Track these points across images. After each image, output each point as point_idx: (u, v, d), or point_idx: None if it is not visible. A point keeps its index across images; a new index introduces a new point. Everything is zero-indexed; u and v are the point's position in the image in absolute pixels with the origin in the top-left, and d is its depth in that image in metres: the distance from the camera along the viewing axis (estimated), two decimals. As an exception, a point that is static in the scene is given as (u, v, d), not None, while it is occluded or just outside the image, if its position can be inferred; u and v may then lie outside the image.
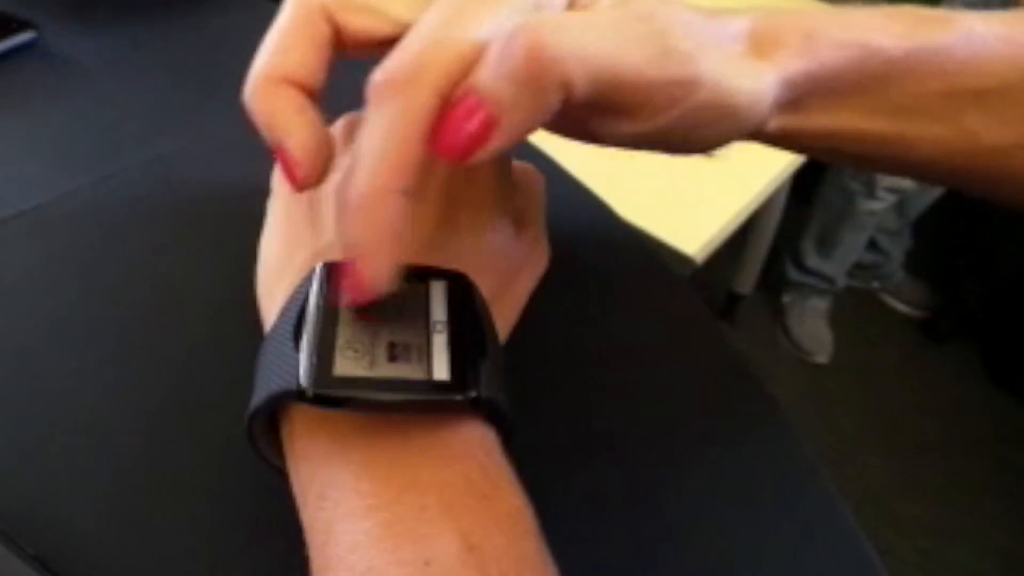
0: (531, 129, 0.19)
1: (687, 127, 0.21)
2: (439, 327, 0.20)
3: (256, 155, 0.29)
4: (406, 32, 0.20)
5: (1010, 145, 0.24)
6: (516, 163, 0.29)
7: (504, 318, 0.25)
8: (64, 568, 0.20)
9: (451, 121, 0.18)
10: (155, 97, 0.37)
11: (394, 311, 0.20)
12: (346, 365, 0.19)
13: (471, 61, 0.19)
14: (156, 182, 0.32)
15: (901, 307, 1.84)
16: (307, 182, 0.21)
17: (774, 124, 0.23)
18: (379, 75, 0.19)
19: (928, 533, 1.36)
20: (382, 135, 0.18)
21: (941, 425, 1.57)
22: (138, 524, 0.21)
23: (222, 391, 0.24)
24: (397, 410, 0.19)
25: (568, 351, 0.29)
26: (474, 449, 0.20)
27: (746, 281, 1.68)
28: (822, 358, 1.68)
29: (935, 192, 1.56)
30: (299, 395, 0.18)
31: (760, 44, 0.22)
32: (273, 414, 0.21)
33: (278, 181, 0.26)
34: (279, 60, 0.21)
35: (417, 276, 0.22)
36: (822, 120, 0.23)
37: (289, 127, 0.21)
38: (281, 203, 0.25)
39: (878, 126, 0.24)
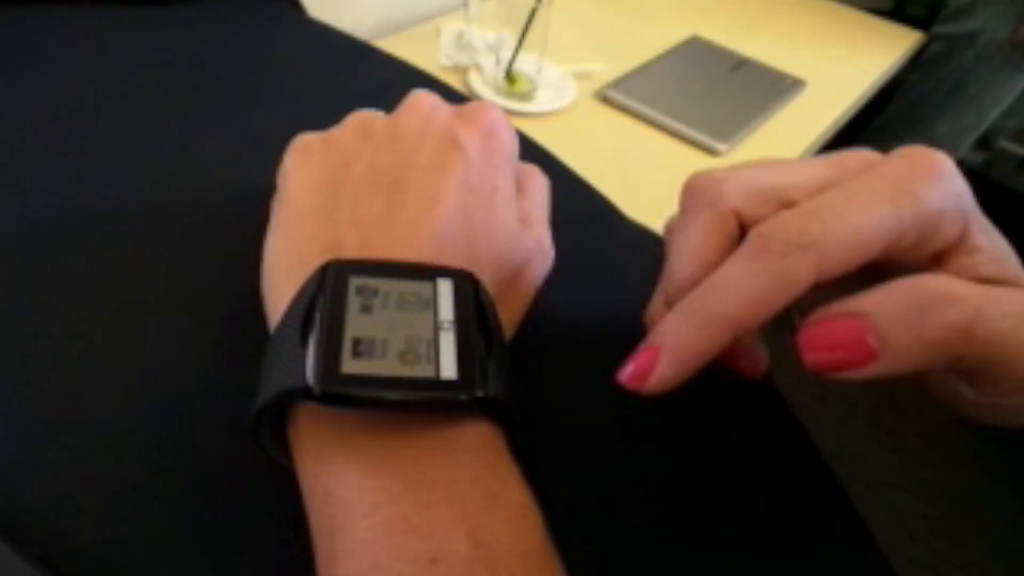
0: (903, 374, 0.19)
1: (1010, 410, 0.21)
2: (446, 325, 0.20)
3: (261, 154, 0.29)
4: None
5: None
6: (520, 163, 0.29)
7: (510, 317, 0.25)
8: (69, 569, 0.20)
9: (830, 335, 0.19)
10: (157, 96, 0.37)
11: (401, 309, 0.21)
12: (353, 363, 0.19)
13: (866, 253, 0.19)
14: (159, 180, 0.32)
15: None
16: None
17: None
18: (782, 228, 0.19)
19: (936, 531, 1.35)
20: (762, 282, 0.19)
21: (949, 423, 1.56)
22: (143, 523, 0.21)
23: (227, 389, 0.24)
24: (404, 408, 0.19)
25: (573, 350, 0.29)
26: (481, 447, 0.20)
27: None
28: (829, 356, 1.68)
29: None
30: (306, 393, 0.18)
31: None
32: (279, 411, 0.21)
33: (283, 179, 0.26)
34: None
35: (424, 275, 0.22)
36: None
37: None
38: (286, 201, 0.25)
39: None
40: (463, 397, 0.19)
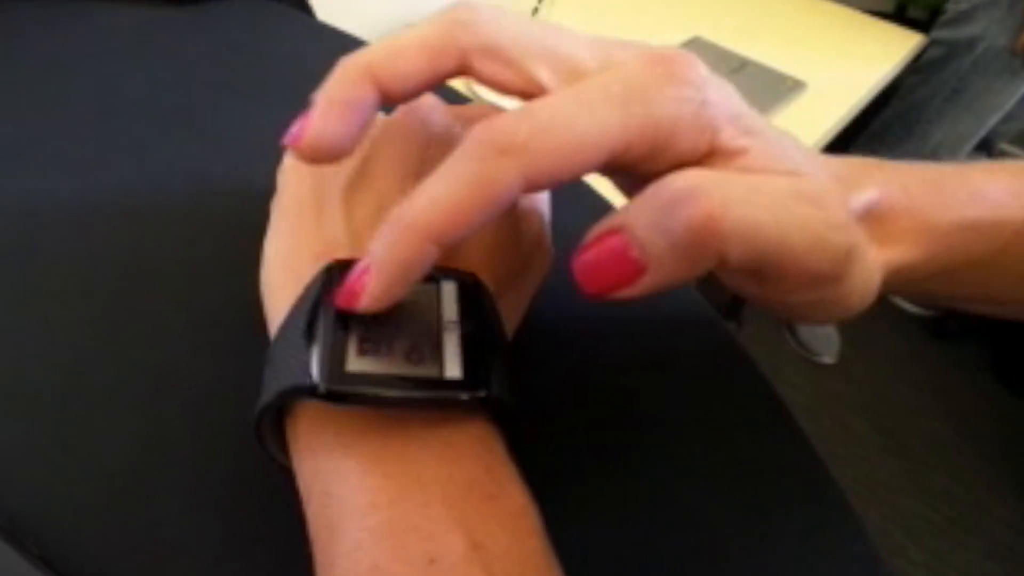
0: (677, 283, 0.18)
1: (807, 307, 0.21)
2: (450, 326, 0.21)
3: (262, 154, 0.29)
4: (535, 94, 0.20)
5: None
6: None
7: (509, 318, 0.25)
8: (69, 569, 0.20)
9: (599, 256, 0.18)
10: (160, 96, 0.37)
11: (406, 309, 0.21)
12: (358, 362, 0.19)
13: (581, 163, 0.18)
14: (160, 181, 0.32)
15: (908, 306, 1.83)
16: (299, 152, 0.21)
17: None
18: (488, 130, 0.18)
19: (936, 533, 1.35)
20: (458, 189, 0.18)
21: (949, 425, 1.56)
22: (144, 522, 0.22)
23: (227, 389, 0.24)
24: (408, 407, 0.19)
25: (571, 352, 0.29)
26: (479, 448, 0.20)
27: (752, 281, 1.67)
28: (829, 358, 1.68)
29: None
30: (311, 391, 0.18)
31: (880, 226, 0.22)
32: (279, 411, 0.21)
33: (282, 179, 0.26)
34: (385, 61, 0.20)
35: (428, 275, 0.22)
36: (921, 289, 0.24)
37: (331, 113, 0.20)
38: (286, 201, 0.25)
39: (987, 292, 0.24)
40: (466, 397, 0.19)
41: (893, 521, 1.36)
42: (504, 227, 0.25)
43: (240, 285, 0.26)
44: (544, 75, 0.20)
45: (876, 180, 0.22)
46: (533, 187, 0.18)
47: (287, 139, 0.21)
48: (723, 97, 0.20)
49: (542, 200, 0.29)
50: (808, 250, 0.19)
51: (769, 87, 1.08)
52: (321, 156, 0.21)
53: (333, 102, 0.20)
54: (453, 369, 0.19)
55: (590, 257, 0.19)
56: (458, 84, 1.03)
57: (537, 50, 0.20)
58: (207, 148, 0.34)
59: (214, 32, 0.43)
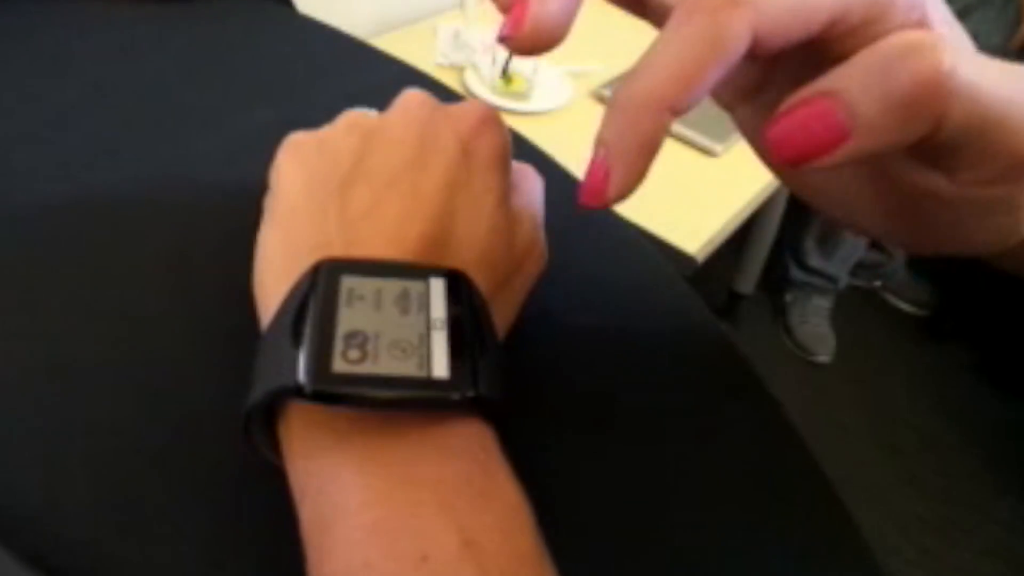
0: (880, 152, 0.17)
1: (981, 209, 0.20)
2: (438, 324, 0.20)
3: (254, 152, 0.29)
4: None
5: None
6: (514, 162, 0.29)
7: (502, 317, 0.25)
8: (61, 568, 0.20)
9: (798, 116, 0.17)
10: (149, 94, 0.37)
11: (394, 308, 0.21)
12: (345, 362, 0.19)
13: (808, 20, 0.17)
14: (151, 178, 0.32)
15: (903, 306, 1.84)
16: (522, 39, 0.20)
17: None
18: None
19: (931, 532, 1.36)
20: (691, 47, 0.17)
21: (943, 424, 1.57)
22: (136, 522, 0.21)
23: (221, 387, 0.24)
24: (395, 407, 0.19)
25: (567, 351, 0.29)
26: (472, 446, 0.20)
27: (747, 280, 1.68)
28: (824, 357, 1.69)
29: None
30: (297, 391, 0.18)
31: None
32: (271, 410, 0.21)
33: (275, 177, 0.26)
34: None
35: (416, 273, 0.22)
36: None
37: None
38: (279, 199, 0.25)
39: None
40: (454, 396, 0.19)
41: (888, 520, 1.36)
42: (498, 228, 0.25)
43: (234, 284, 0.26)
44: None
45: None
46: (760, 45, 0.17)
47: (504, 31, 0.20)
48: None
49: (536, 202, 0.29)
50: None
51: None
52: (543, 41, 0.20)
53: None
54: (440, 369, 0.19)
55: (790, 122, 0.18)
56: (453, 82, 1.03)
57: None
58: (198, 145, 0.34)
59: (204, 30, 0.43)
